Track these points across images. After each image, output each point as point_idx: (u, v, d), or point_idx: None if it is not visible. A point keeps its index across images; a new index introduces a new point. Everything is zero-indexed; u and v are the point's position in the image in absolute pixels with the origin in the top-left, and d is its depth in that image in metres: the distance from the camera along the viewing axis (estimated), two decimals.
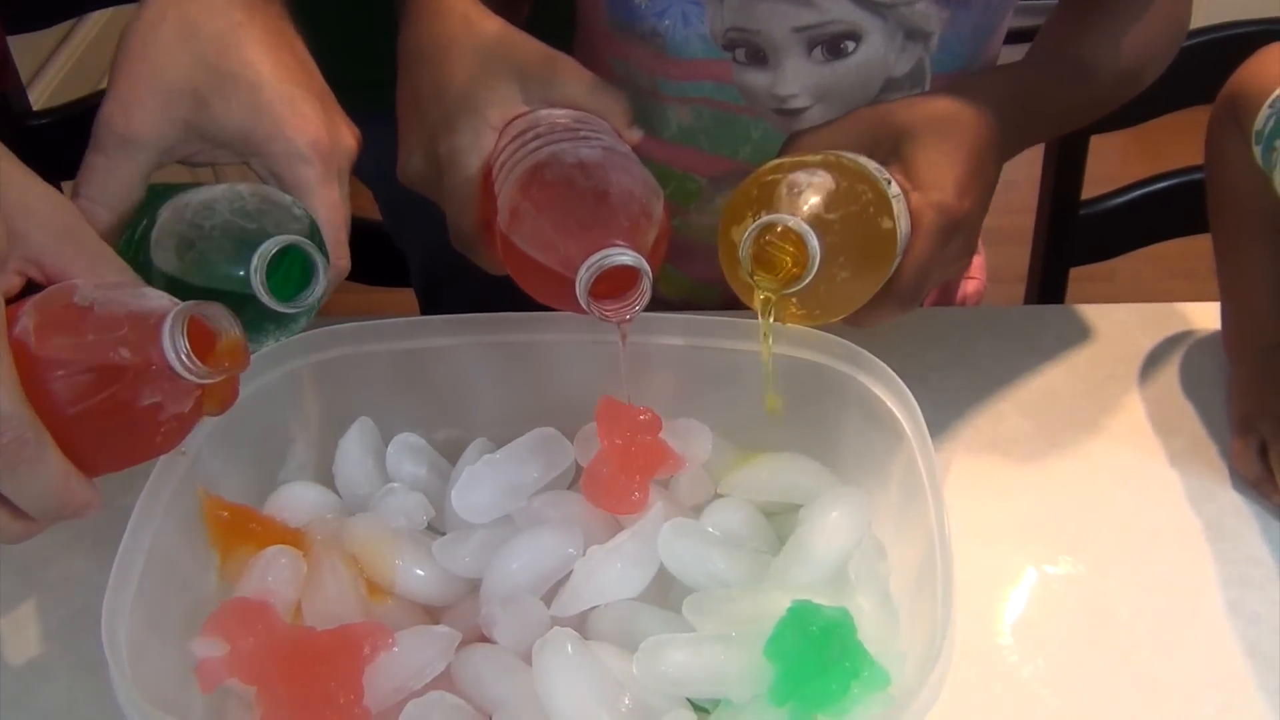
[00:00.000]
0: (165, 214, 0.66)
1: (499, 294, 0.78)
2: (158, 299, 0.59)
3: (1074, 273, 1.30)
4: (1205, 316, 0.96)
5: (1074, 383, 0.91)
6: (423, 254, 1.30)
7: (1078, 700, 0.74)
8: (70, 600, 0.81)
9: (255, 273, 0.63)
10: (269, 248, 0.63)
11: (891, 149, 0.77)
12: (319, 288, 0.66)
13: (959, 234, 0.76)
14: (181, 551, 0.71)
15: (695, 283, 1.03)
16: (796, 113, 0.89)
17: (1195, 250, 1.26)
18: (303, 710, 0.64)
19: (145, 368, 0.56)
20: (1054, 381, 0.92)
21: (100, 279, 0.61)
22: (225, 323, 0.60)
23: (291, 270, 0.66)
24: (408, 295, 1.35)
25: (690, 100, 0.92)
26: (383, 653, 0.67)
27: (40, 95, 1.65)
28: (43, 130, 1.25)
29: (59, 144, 1.21)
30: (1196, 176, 1.21)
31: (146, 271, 0.65)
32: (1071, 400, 0.90)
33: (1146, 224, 1.27)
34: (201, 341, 0.57)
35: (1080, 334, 0.95)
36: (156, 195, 0.70)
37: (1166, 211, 1.25)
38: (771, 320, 0.71)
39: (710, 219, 0.97)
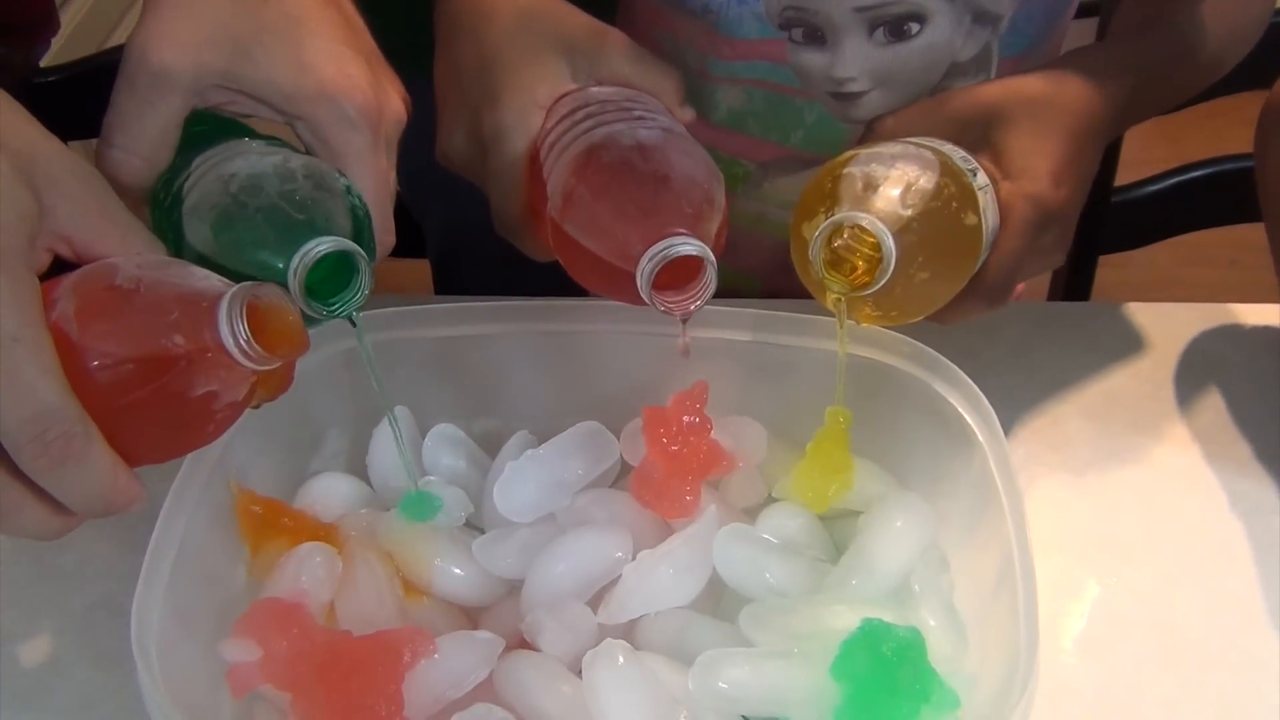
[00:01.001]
0: (208, 178, 0.61)
1: (518, 270, 0.75)
2: (206, 279, 0.54)
3: None
4: (1270, 318, 0.92)
5: (1137, 384, 0.88)
6: (441, 226, 1.26)
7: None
8: (87, 589, 0.77)
9: (294, 274, 0.57)
10: (313, 251, 0.58)
11: (981, 134, 0.73)
12: (356, 302, 0.61)
13: (1053, 226, 0.71)
14: (212, 546, 0.68)
15: (735, 272, 0.98)
16: (854, 97, 0.85)
17: (1211, 238, 1.24)
18: None
19: (199, 354, 0.52)
20: (1116, 383, 0.88)
21: (135, 255, 0.57)
22: (283, 305, 0.56)
23: (326, 259, 0.59)
24: (422, 266, 1.31)
25: (741, 81, 0.87)
26: (423, 660, 0.63)
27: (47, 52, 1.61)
28: (50, 88, 1.20)
29: (67, 103, 1.17)
30: (1229, 166, 1.19)
31: (176, 235, 0.60)
32: (1135, 403, 0.86)
33: (1179, 213, 1.24)
34: (253, 324, 0.53)
35: (1141, 334, 0.92)
36: (199, 135, 0.64)
37: (1200, 201, 1.22)
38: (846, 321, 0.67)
39: (757, 206, 0.93)
